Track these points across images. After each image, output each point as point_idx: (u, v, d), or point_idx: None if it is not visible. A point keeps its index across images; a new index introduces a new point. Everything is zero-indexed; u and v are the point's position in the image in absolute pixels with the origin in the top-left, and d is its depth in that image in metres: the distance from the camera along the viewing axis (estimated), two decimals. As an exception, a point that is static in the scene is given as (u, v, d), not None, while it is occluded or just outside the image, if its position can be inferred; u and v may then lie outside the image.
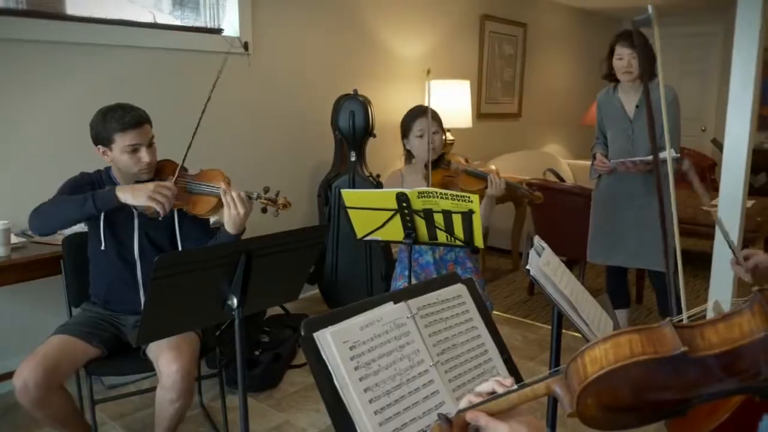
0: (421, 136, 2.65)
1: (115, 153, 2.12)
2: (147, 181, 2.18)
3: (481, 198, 2.52)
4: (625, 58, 2.93)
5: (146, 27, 3.23)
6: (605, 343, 0.77)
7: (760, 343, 0.73)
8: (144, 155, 2.13)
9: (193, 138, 2.14)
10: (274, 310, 3.49)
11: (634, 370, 0.75)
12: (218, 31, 3.57)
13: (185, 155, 2.19)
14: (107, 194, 2.05)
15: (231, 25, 3.60)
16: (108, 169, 2.25)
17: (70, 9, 3.00)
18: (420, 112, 2.70)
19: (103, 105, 2.94)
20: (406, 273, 2.51)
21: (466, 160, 2.80)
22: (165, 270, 1.50)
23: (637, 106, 3.03)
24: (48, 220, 2.08)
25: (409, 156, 2.78)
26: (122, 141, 2.09)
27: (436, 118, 2.69)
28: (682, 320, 0.81)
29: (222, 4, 3.60)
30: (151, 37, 3.22)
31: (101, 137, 2.12)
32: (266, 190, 2.15)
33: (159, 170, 2.23)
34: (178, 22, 3.47)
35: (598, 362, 0.76)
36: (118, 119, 2.09)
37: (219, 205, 2.14)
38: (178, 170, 2.17)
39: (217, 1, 3.60)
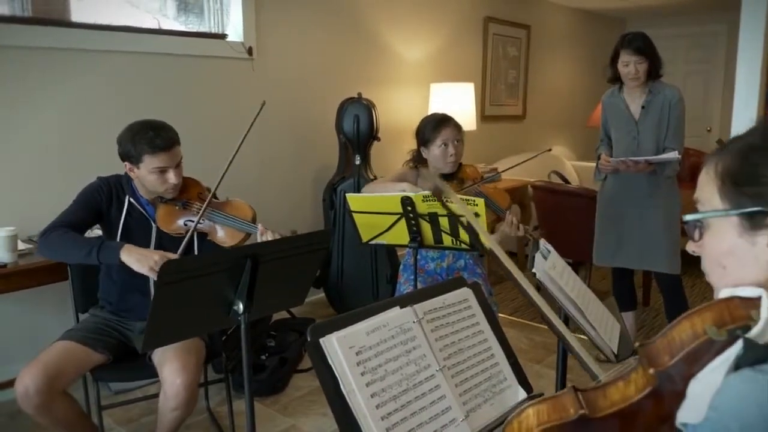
0: (444, 146, 2.58)
1: (142, 172, 2.11)
2: (170, 200, 2.18)
3: (491, 230, 2.44)
4: (631, 65, 2.92)
5: (150, 33, 3.24)
6: (518, 416, 0.88)
7: (645, 400, 0.79)
8: (171, 177, 2.12)
9: (227, 170, 2.10)
10: (280, 314, 3.49)
11: None
12: (222, 36, 3.58)
13: (218, 184, 2.16)
14: (112, 252, 2.00)
15: (235, 30, 3.61)
16: (128, 175, 2.22)
17: (75, 16, 3.01)
18: (443, 120, 2.62)
19: (108, 111, 2.97)
20: (412, 278, 2.51)
21: (481, 178, 2.74)
22: (170, 276, 1.51)
23: (642, 107, 3.02)
24: (54, 254, 2.10)
25: (418, 161, 2.71)
26: (151, 163, 2.08)
27: (458, 127, 2.64)
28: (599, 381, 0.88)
29: (226, 10, 3.61)
30: (156, 43, 3.23)
31: (130, 155, 2.10)
32: (294, 233, 2.10)
33: (183, 190, 2.23)
34: (182, 28, 3.48)
35: None
36: (149, 141, 2.06)
37: (245, 239, 2.14)
38: (208, 200, 2.14)
39: (221, 6, 3.61)
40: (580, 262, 4.21)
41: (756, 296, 0.75)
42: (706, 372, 0.73)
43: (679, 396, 0.75)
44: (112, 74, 3.07)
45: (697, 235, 0.89)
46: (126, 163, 2.13)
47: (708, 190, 0.86)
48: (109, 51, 3.04)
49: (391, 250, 3.74)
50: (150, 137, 2.07)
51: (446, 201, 1.19)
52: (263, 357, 3.06)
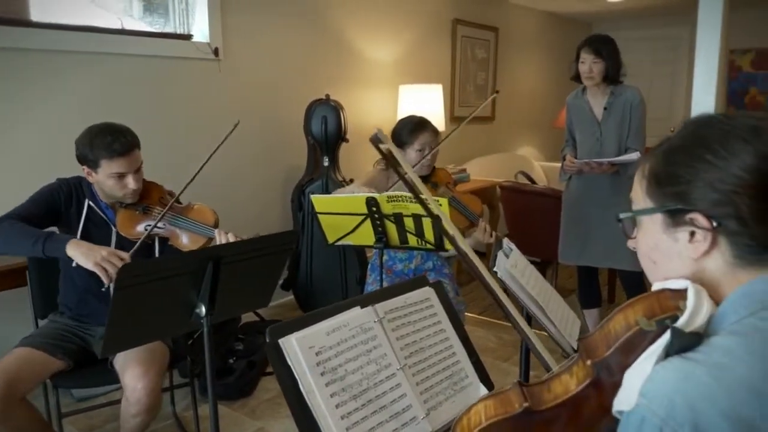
0: (421, 150, 2.58)
1: (100, 176, 2.07)
2: (131, 205, 2.15)
3: (463, 236, 2.44)
4: (587, 63, 2.99)
5: (113, 33, 3.19)
6: (467, 413, 0.91)
7: (587, 391, 0.82)
8: (130, 182, 2.09)
9: (194, 177, 2.08)
10: (249, 317, 3.46)
11: (495, 429, 0.87)
12: (187, 36, 3.55)
13: (181, 191, 2.13)
14: (59, 245, 1.95)
15: (200, 30, 3.57)
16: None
17: (35, 15, 2.95)
18: (421, 125, 2.61)
19: (69, 113, 2.91)
20: (380, 278, 2.51)
21: (455, 184, 2.74)
22: (129, 280, 1.49)
23: (605, 109, 3.07)
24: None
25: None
26: (109, 168, 2.04)
27: (436, 132, 2.64)
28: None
29: (191, 10, 3.57)
30: (119, 44, 3.18)
31: (87, 159, 2.06)
32: (257, 235, 2.09)
33: (144, 194, 2.19)
34: (147, 28, 3.44)
35: (466, 429, 0.90)
36: (106, 146, 2.02)
37: (207, 244, 2.12)
38: (168, 206, 2.11)
39: (187, 6, 3.57)
40: (547, 261, 4.26)
41: (683, 288, 0.78)
42: (640, 361, 0.76)
43: (618, 386, 0.77)
44: (73, 76, 3.01)
45: (630, 232, 0.92)
46: (84, 167, 2.09)
47: (638, 190, 0.90)
48: (69, 51, 2.98)
49: (360, 251, 3.74)
50: (108, 142, 2.02)
51: (401, 172, 1.17)
52: (231, 360, 3.04)
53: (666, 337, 0.74)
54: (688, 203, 0.82)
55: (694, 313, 0.75)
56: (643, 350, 0.76)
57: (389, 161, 1.16)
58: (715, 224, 0.80)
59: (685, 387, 0.70)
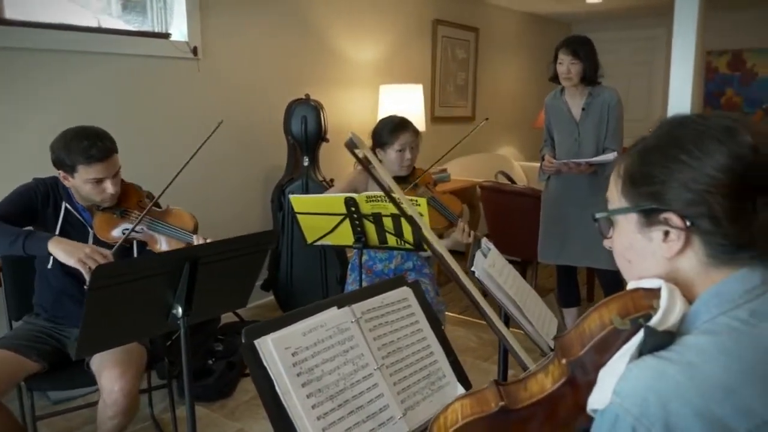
0: (401, 151, 2.59)
1: (77, 181, 2.03)
2: (108, 209, 2.12)
3: (439, 235, 2.45)
4: (564, 64, 3.01)
5: (90, 31, 3.15)
6: (444, 411, 0.92)
7: (562, 389, 0.83)
8: (109, 187, 2.05)
9: (172, 181, 2.05)
10: (229, 318, 3.44)
11: (472, 428, 0.88)
12: (166, 35, 3.51)
13: (159, 195, 2.11)
14: (40, 243, 1.92)
15: (179, 29, 3.54)
16: None
17: (9, 12, 2.90)
18: (402, 125, 2.61)
19: (44, 113, 2.86)
20: (359, 278, 2.51)
21: (435, 184, 2.75)
22: (103, 280, 1.47)
23: (583, 109, 3.10)
24: None
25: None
26: (86, 174, 2.00)
27: (416, 132, 2.65)
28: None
29: (170, 9, 3.54)
30: (96, 42, 3.14)
31: (63, 164, 2.01)
32: None
33: (122, 197, 2.16)
34: (126, 27, 3.40)
35: (442, 428, 0.91)
36: (83, 151, 1.97)
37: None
38: (146, 210, 2.08)
39: (165, 5, 3.54)
40: (527, 261, 4.30)
41: (657, 287, 0.79)
42: (614, 360, 0.77)
43: (593, 385, 0.78)
44: (48, 75, 2.97)
45: (606, 231, 0.93)
46: (60, 171, 2.05)
47: (614, 189, 0.90)
48: (44, 50, 2.94)
49: (340, 251, 3.73)
50: (85, 147, 1.98)
51: (377, 177, 1.16)
52: (210, 361, 3.01)
53: (639, 336, 0.75)
54: (662, 203, 0.82)
55: (667, 312, 0.76)
56: (618, 349, 0.77)
57: (364, 166, 1.15)
58: (688, 224, 0.80)
59: (657, 385, 0.71)
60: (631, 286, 0.83)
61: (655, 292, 0.78)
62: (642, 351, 0.75)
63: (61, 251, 1.90)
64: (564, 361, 0.82)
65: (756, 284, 0.79)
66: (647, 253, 0.86)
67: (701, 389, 0.70)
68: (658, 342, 0.74)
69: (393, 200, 1.26)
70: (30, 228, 2.08)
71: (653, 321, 0.75)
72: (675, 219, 0.81)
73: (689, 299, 0.81)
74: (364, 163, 1.16)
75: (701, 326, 0.77)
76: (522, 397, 0.86)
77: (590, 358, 0.80)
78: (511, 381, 0.89)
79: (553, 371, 0.84)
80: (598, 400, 0.75)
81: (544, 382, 0.84)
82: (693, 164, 0.80)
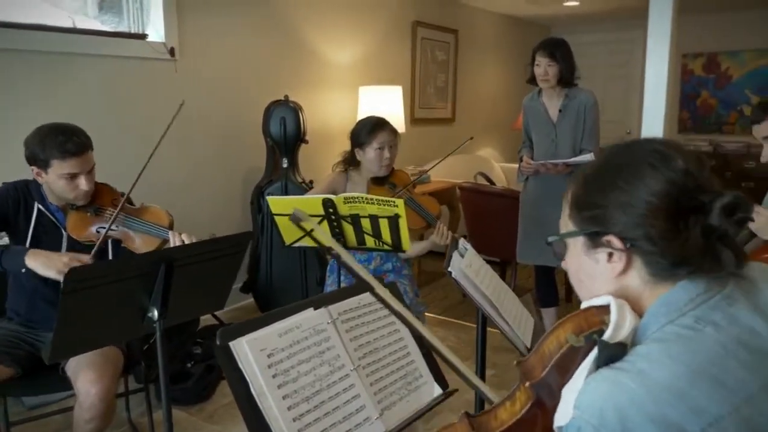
0: (380, 149, 2.58)
1: (50, 177, 2.01)
2: (82, 207, 2.09)
3: (419, 236, 2.45)
4: (541, 66, 3.04)
5: (65, 32, 3.11)
6: None
7: (531, 413, 0.85)
8: (83, 183, 2.03)
9: (141, 173, 2.03)
10: (208, 321, 3.41)
11: None
12: (142, 36, 3.48)
13: (131, 189, 2.08)
14: (17, 258, 1.90)
15: (156, 30, 3.51)
16: (36, 180, 2.10)
17: (-19, 12, 2.86)
18: (379, 124, 2.61)
19: (18, 112, 2.82)
20: (338, 280, 2.51)
21: (414, 186, 2.75)
22: (77, 283, 1.45)
23: (560, 111, 3.13)
24: None
25: (350, 163, 2.70)
26: (61, 168, 1.98)
27: (394, 131, 2.65)
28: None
29: (146, 9, 3.51)
30: (71, 43, 3.10)
31: (37, 159, 1.99)
32: (212, 236, 2.05)
33: (95, 196, 2.14)
34: (101, 27, 3.36)
35: None
36: (59, 146, 1.96)
37: (161, 246, 2.08)
38: (120, 206, 2.06)
39: (141, 5, 3.51)
40: (506, 261, 4.33)
41: (606, 304, 0.83)
42: (574, 377, 0.80)
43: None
44: (22, 75, 2.93)
45: (561, 253, 0.98)
46: (33, 167, 2.03)
47: (564, 213, 0.96)
48: (17, 50, 2.90)
49: (320, 252, 3.72)
50: (60, 141, 1.97)
51: (327, 248, 1.19)
52: (189, 365, 2.99)
53: (595, 351, 0.79)
54: (604, 226, 0.87)
55: (617, 326, 0.80)
56: (578, 367, 0.80)
57: (315, 240, 1.19)
58: (628, 245, 0.85)
59: (613, 395, 0.74)
60: (584, 305, 0.87)
61: (605, 309, 0.82)
62: (598, 365, 0.78)
63: (40, 264, 1.88)
64: (528, 384, 0.85)
65: (700, 292, 0.83)
66: (596, 273, 0.90)
67: (653, 394, 0.73)
68: (612, 354, 0.78)
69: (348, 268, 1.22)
70: (5, 240, 2.06)
71: (605, 335, 0.79)
72: (616, 241, 0.86)
73: (639, 314, 0.85)
74: (312, 237, 1.18)
75: (651, 336, 0.81)
76: (493, 426, 0.88)
77: (553, 379, 0.83)
78: (481, 412, 0.92)
79: (519, 397, 0.87)
80: (562, 417, 0.78)
81: (513, 409, 0.87)
82: (629, 189, 0.85)
